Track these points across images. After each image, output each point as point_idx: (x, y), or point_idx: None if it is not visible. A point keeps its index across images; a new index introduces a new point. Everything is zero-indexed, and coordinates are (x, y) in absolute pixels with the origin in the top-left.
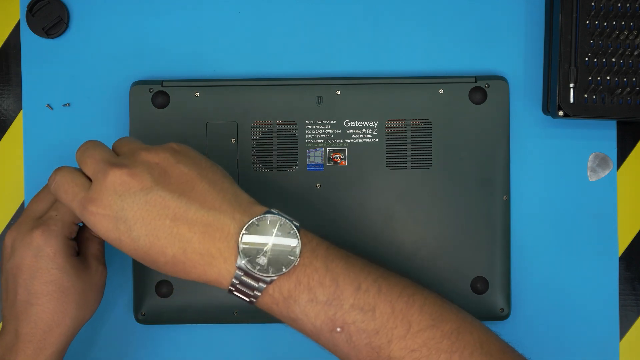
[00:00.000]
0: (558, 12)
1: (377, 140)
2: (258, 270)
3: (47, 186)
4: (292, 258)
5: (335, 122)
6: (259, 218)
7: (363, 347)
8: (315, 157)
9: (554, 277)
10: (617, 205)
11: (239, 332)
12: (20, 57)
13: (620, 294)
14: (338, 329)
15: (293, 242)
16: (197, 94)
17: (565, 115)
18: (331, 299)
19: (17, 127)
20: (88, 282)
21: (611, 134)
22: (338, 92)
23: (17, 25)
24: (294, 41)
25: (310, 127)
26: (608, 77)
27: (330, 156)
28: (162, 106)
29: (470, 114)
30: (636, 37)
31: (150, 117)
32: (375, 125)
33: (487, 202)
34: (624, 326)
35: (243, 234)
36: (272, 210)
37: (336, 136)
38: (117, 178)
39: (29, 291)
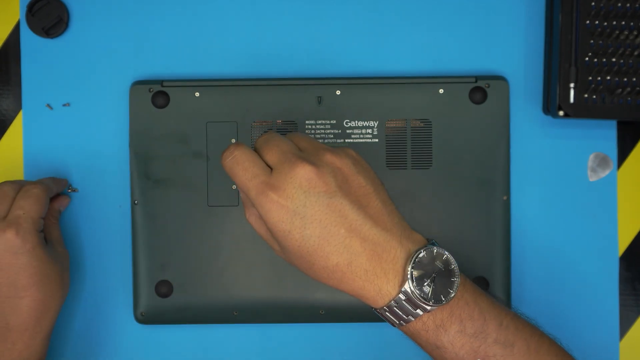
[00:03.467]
0: (558, 12)
1: (377, 140)
2: (422, 297)
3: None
4: (451, 291)
5: (335, 122)
6: (426, 248)
7: None
8: None
9: (554, 277)
10: (617, 205)
11: (239, 332)
12: (20, 57)
13: (620, 294)
14: None
15: (454, 276)
16: (197, 94)
17: (566, 115)
18: (478, 332)
19: (17, 127)
20: (60, 264)
21: (611, 134)
22: (338, 92)
23: (17, 25)
24: (294, 41)
25: (310, 127)
26: (608, 77)
27: None
28: (162, 106)
29: (470, 114)
30: (636, 37)
31: (150, 117)
32: (375, 125)
33: (487, 202)
34: (624, 326)
35: (416, 260)
36: (434, 241)
37: (336, 136)
38: (305, 173)
39: (16, 287)
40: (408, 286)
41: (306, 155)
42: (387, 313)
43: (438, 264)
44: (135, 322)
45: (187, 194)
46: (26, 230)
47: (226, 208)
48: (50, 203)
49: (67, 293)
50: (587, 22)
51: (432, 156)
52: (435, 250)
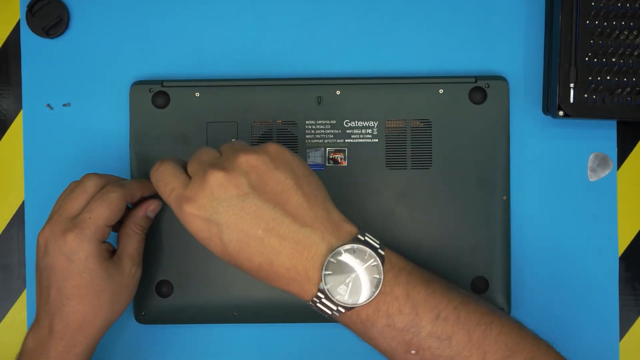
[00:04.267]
0: (558, 12)
1: (377, 140)
2: (338, 298)
3: (81, 184)
4: (373, 290)
5: (335, 122)
6: (346, 248)
7: None
8: (315, 157)
9: (554, 277)
10: (617, 205)
11: (239, 332)
12: (20, 57)
13: (620, 294)
14: (413, 352)
15: (375, 275)
16: (197, 94)
17: (565, 115)
18: (409, 326)
19: (17, 127)
20: (119, 284)
21: (611, 134)
22: (338, 92)
23: (17, 25)
24: (294, 41)
25: (310, 127)
26: (608, 77)
27: (331, 156)
28: (162, 106)
29: (470, 114)
30: (636, 37)
31: (150, 117)
32: (375, 125)
33: (487, 202)
34: (624, 326)
35: (328, 261)
36: (360, 235)
37: (336, 136)
38: (214, 180)
39: (61, 292)
40: (323, 286)
41: (219, 161)
42: (314, 307)
43: (360, 262)
44: (135, 322)
45: None
46: (85, 236)
47: None
48: (135, 209)
49: (118, 315)
50: (587, 22)
51: (432, 156)
52: (355, 248)
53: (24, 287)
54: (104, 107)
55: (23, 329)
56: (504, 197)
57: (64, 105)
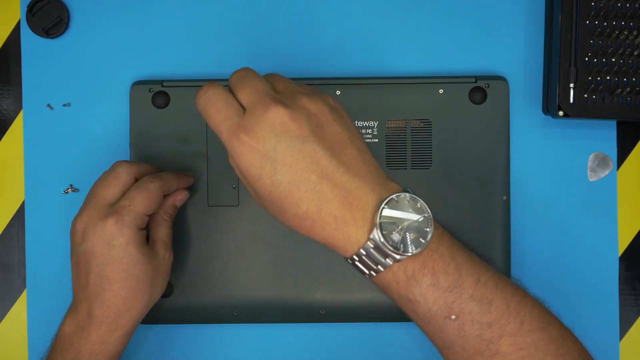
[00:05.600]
0: (558, 12)
1: (377, 140)
2: (390, 245)
3: (113, 171)
4: (423, 241)
5: None
6: (398, 195)
7: (473, 337)
8: None
9: (554, 277)
10: (617, 205)
11: (239, 332)
12: (20, 57)
13: (620, 294)
14: (453, 317)
15: (427, 226)
16: None
17: (565, 115)
18: (453, 286)
19: (17, 127)
20: (156, 269)
21: (611, 134)
22: (338, 92)
23: (17, 25)
24: (294, 41)
25: None
26: (608, 77)
27: None
28: (162, 106)
29: (470, 114)
30: (636, 37)
31: (150, 117)
32: (375, 125)
33: (487, 202)
34: (624, 326)
35: (383, 207)
36: (408, 189)
37: None
38: (278, 116)
39: (102, 277)
40: (376, 233)
41: (281, 98)
42: (357, 262)
43: (411, 212)
44: None
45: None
46: (125, 223)
47: (226, 208)
48: (165, 198)
49: (156, 298)
50: (587, 22)
51: (432, 156)
52: (408, 198)
53: (24, 287)
54: (104, 107)
55: (23, 329)
56: (504, 197)
57: (64, 105)
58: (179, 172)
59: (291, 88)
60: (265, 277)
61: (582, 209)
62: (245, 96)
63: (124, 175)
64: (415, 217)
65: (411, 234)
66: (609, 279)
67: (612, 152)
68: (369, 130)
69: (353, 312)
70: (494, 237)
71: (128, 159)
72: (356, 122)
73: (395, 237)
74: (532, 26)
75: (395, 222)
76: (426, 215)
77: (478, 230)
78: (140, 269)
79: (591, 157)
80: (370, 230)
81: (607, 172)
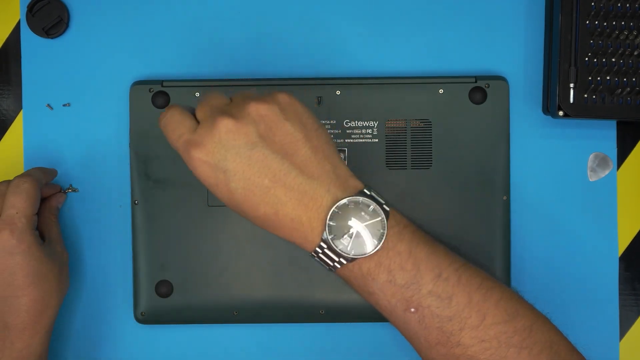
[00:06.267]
0: (558, 12)
1: (377, 140)
2: (340, 248)
3: None
4: (376, 242)
5: (335, 122)
6: (351, 199)
7: (434, 329)
8: None
9: (554, 277)
10: (617, 205)
11: (239, 332)
12: (20, 57)
13: (620, 294)
14: (412, 310)
15: (380, 229)
16: (197, 94)
17: (565, 115)
18: (410, 282)
19: (17, 127)
20: (58, 262)
21: (611, 134)
22: (338, 92)
23: (17, 25)
24: (294, 41)
25: None
26: (608, 77)
27: None
28: (162, 106)
29: (470, 114)
30: (636, 37)
31: (150, 117)
32: (375, 125)
33: (487, 202)
34: (624, 326)
35: (333, 212)
36: (366, 190)
37: (336, 136)
38: (224, 127)
39: (13, 286)
40: (325, 235)
41: (229, 108)
42: (316, 259)
43: (364, 215)
44: (135, 322)
45: (187, 194)
46: (21, 230)
47: (226, 208)
48: (46, 201)
49: (66, 290)
50: (587, 22)
51: (432, 156)
52: (361, 200)
53: None
54: (104, 107)
55: None
56: (504, 197)
57: (64, 105)
58: (41, 167)
59: (243, 96)
60: (265, 277)
61: (582, 209)
62: (199, 113)
63: (1, 188)
64: (366, 221)
65: (363, 236)
66: (609, 279)
67: (612, 152)
68: (369, 130)
69: (353, 312)
70: (494, 237)
71: (128, 159)
72: (356, 122)
73: (345, 240)
74: (532, 26)
75: (346, 227)
76: (379, 218)
77: (478, 230)
78: (47, 267)
79: (591, 157)
80: (322, 232)
81: (607, 172)
